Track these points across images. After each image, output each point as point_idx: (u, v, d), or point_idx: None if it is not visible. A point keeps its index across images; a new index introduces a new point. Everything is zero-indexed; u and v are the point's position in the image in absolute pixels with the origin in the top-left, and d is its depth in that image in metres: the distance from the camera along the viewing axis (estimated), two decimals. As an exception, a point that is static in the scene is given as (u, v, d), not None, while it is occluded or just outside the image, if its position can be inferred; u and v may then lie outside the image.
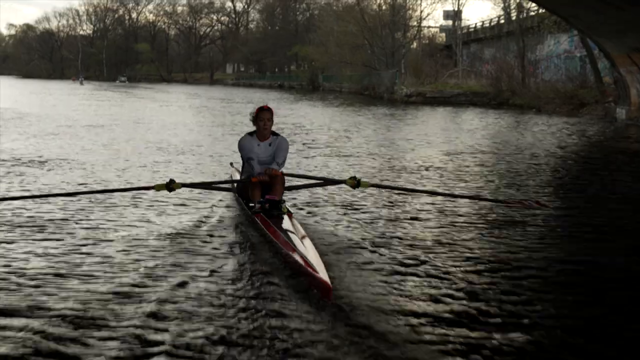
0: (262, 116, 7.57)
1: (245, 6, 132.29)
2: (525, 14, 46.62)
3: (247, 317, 4.63)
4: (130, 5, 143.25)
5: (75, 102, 38.75)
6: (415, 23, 62.04)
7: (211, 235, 6.94)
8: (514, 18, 48.35)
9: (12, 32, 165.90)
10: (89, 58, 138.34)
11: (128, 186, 8.92)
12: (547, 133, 21.26)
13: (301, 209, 8.37)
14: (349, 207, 8.50)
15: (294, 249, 5.73)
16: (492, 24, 59.28)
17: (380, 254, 6.30)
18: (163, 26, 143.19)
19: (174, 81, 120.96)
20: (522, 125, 24.88)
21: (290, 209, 7.52)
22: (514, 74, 42.86)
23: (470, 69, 54.87)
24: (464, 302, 5.00)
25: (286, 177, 7.88)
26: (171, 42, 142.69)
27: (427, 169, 12.20)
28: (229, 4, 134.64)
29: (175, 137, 18.06)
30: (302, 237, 6.11)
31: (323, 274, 5.01)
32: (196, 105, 36.74)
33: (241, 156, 7.81)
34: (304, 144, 16.59)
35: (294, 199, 8.86)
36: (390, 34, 57.79)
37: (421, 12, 61.27)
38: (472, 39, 63.56)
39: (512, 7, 49.11)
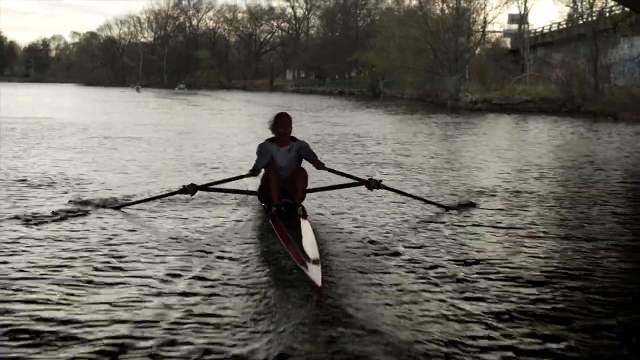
0: (281, 122, 7.82)
1: (306, 12, 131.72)
2: (598, 16, 44.23)
3: (234, 315, 4.73)
4: (191, 12, 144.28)
5: (126, 111, 37.71)
6: (479, 27, 60.08)
7: (225, 238, 7.04)
8: (585, 20, 45.87)
9: (76, 40, 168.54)
10: (149, 65, 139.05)
11: (152, 195, 8.93)
12: (630, 145, 19.28)
13: (320, 214, 8.32)
14: (369, 210, 8.54)
15: (296, 250, 5.83)
16: (561, 27, 56.84)
17: (389, 259, 6.29)
18: (223, 33, 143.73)
19: (233, 88, 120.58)
20: (600, 135, 22.83)
21: (311, 210, 7.84)
22: (585, 78, 40.58)
23: (539, 74, 52.52)
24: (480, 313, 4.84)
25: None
26: (231, 49, 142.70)
27: (497, 191, 10.38)
28: (290, 10, 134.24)
29: (220, 150, 16.55)
30: (309, 239, 6.14)
31: (316, 274, 5.06)
32: (253, 114, 35.39)
33: (261, 162, 7.74)
34: (363, 158, 15.01)
35: (314, 199, 8.88)
36: (454, 38, 55.96)
37: (485, 15, 59.22)
38: (538, 43, 61.13)
39: (584, 9, 46.52)
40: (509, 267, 6.03)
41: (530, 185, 11.09)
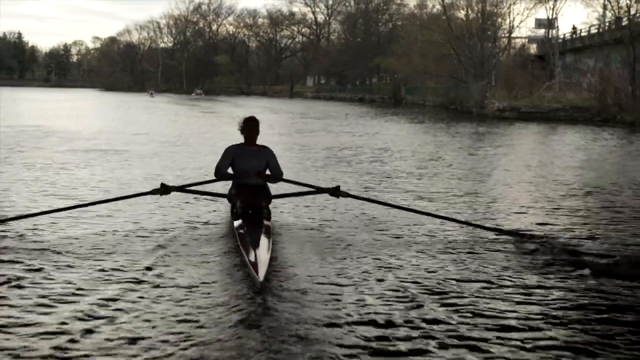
0: (249, 126, 8.11)
1: (327, 17, 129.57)
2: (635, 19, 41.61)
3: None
4: (211, 17, 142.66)
5: (130, 119, 35.53)
6: (505, 31, 57.72)
7: (188, 236, 7.50)
8: (622, 24, 43.22)
9: (97, 45, 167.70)
10: (168, 70, 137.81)
11: (126, 194, 8.65)
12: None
13: (286, 218, 8.69)
14: (334, 216, 8.86)
15: (248, 248, 6.16)
16: (592, 31, 54.17)
17: (338, 261, 6.47)
18: (243, 38, 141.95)
19: (253, 94, 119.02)
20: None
21: (277, 214, 8.49)
22: (621, 86, 38.04)
23: (569, 80, 49.94)
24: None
25: (274, 185, 8.26)
26: (251, 54, 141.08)
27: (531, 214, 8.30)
28: (310, 15, 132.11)
29: (200, 163, 13.49)
30: (264, 240, 6.41)
31: (259, 271, 5.42)
32: (270, 123, 32.85)
33: (224, 162, 8.03)
34: (380, 179, 12.69)
35: (284, 204, 9.21)
36: (479, 42, 53.56)
37: (512, 19, 56.73)
38: (567, 49, 58.44)
39: (622, 12, 43.86)
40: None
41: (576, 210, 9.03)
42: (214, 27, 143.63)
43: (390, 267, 6.26)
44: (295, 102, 77.33)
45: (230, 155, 8.00)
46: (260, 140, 8.09)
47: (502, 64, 56.01)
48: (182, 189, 8.25)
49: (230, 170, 8.08)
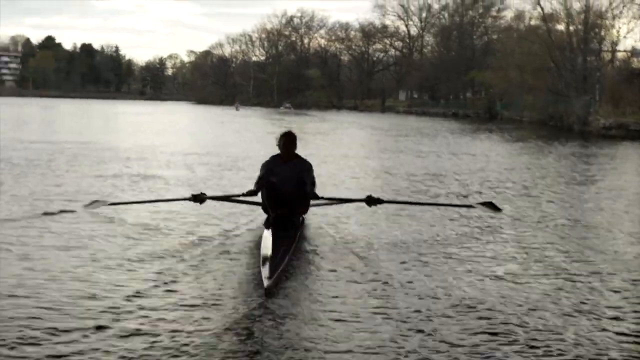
0: (285, 140, 8.47)
1: (420, 30, 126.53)
2: None
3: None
4: (302, 30, 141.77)
5: (204, 134, 33.96)
6: (609, 43, 53.87)
7: (219, 242, 7.92)
8: None
9: (192, 58, 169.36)
10: (260, 84, 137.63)
11: (166, 197, 9.80)
12: None
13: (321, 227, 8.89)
14: (365, 227, 9.00)
15: (267, 255, 6.60)
16: None
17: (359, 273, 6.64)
18: (335, 51, 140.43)
19: (344, 108, 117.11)
20: None
21: (312, 224, 8.95)
22: None
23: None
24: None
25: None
26: (343, 68, 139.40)
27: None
28: (403, 28, 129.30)
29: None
30: (285, 247, 6.86)
31: (270, 276, 5.94)
32: (355, 140, 30.70)
33: (261, 177, 8.31)
34: (466, 220, 10.16)
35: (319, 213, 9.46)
36: (582, 54, 50.01)
37: (618, 30, 52.89)
38: (680, 61, 54.11)
39: None
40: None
41: None
42: (306, 41, 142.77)
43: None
44: (385, 117, 74.89)
45: (266, 167, 8.39)
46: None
47: (606, 78, 52.19)
48: (218, 198, 9.03)
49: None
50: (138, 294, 5.64)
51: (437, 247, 8.00)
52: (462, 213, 10.07)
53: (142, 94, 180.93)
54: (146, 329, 4.79)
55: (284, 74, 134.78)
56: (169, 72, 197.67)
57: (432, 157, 20.74)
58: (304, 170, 8.34)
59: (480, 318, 5.32)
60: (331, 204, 9.34)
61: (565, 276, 6.72)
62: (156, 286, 5.94)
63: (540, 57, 53.64)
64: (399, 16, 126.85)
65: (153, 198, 10.29)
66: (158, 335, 4.70)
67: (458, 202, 9.34)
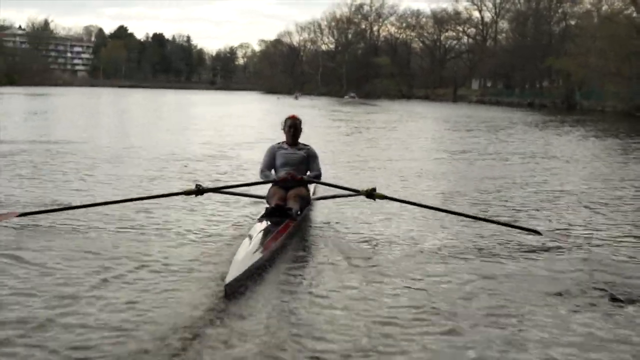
0: (289, 123, 8.43)
1: (494, 16, 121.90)
2: None
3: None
4: (372, 17, 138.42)
5: (245, 127, 31.18)
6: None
7: (212, 236, 7.48)
8: None
9: (263, 47, 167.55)
10: (329, 73, 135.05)
11: (159, 193, 8.72)
12: None
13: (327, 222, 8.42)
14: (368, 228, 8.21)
15: (244, 251, 6.16)
16: None
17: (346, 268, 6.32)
18: (405, 39, 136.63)
19: (414, 97, 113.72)
20: None
21: (311, 219, 8.44)
22: None
23: None
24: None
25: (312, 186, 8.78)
26: (413, 56, 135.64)
27: None
28: (477, 14, 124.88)
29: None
30: (267, 242, 6.46)
31: (234, 272, 5.47)
32: (420, 134, 27.36)
33: (266, 163, 8.39)
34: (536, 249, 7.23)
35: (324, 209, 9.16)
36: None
37: None
38: None
39: None
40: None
41: None
42: (375, 28, 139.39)
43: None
44: (456, 108, 71.33)
45: (271, 154, 8.41)
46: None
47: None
48: (217, 190, 8.46)
49: (273, 172, 8.38)
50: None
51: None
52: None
53: (212, 84, 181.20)
54: (90, 323, 4.64)
55: (352, 63, 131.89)
56: (240, 61, 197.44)
57: (500, 161, 17.23)
58: (310, 156, 8.42)
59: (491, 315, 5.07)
60: (332, 197, 9.04)
61: None
62: (105, 280, 5.66)
63: (625, 41, 49.44)
64: (472, 2, 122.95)
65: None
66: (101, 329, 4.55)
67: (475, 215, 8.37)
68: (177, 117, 39.25)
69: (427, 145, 22.31)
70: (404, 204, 8.38)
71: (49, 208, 8.24)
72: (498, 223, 7.96)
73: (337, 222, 8.42)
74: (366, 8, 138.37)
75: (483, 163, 16.56)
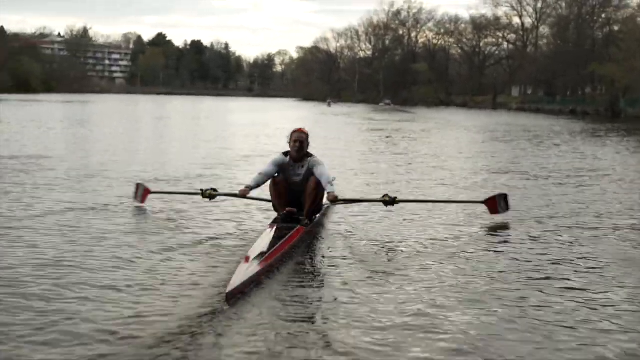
0: (295, 137, 8.14)
1: (535, 21, 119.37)
2: None
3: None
4: (410, 23, 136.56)
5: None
6: None
7: (221, 242, 7.54)
8: None
9: (301, 54, 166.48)
10: (365, 80, 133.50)
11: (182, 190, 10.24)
12: None
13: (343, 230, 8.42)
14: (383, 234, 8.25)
15: (251, 257, 6.16)
16: None
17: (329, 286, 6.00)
18: (444, 45, 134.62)
19: (452, 104, 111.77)
20: None
21: (323, 226, 8.46)
22: None
23: None
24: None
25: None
26: (452, 62, 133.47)
27: None
28: (517, 20, 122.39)
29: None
30: (272, 250, 6.35)
31: (236, 280, 5.44)
32: (450, 151, 24.35)
33: (267, 169, 8.17)
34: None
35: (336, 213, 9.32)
36: None
37: None
38: None
39: None
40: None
41: None
42: (413, 34, 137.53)
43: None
44: (496, 115, 69.34)
45: (276, 165, 8.22)
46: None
47: None
48: (229, 195, 8.90)
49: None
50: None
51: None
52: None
53: (249, 91, 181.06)
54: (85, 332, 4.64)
55: (390, 69, 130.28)
56: (278, 68, 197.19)
57: (540, 180, 15.09)
58: (315, 166, 8.12)
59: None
60: (349, 203, 9.14)
61: None
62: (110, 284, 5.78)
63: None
64: (512, 7, 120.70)
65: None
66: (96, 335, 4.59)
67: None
68: (214, 125, 38.11)
69: (460, 162, 19.79)
70: (422, 204, 9.01)
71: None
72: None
73: (349, 230, 8.45)
74: (404, 14, 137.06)
75: (521, 183, 14.38)
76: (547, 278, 6.50)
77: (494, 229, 8.86)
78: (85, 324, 4.77)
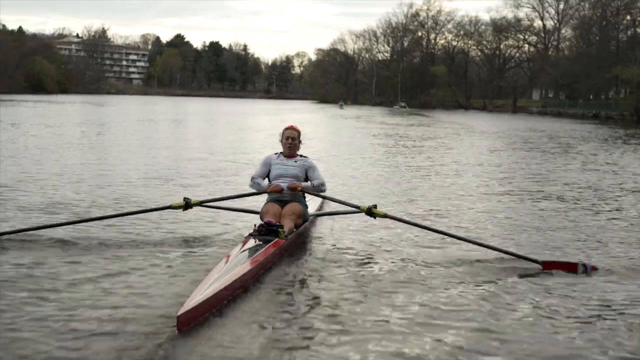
0: (287, 134, 8.06)
1: (557, 23, 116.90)
2: None
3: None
4: (429, 24, 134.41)
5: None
6: None
7: (188, 256, 6.92)
8: None
9: (320, 56, 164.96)
10: (383, 82, 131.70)
11: (144, 208, 8.47)
12: None
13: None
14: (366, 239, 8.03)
15: (214, 274, 5.60)
16: None
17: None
18: (463, 47, 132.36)
19: (472, 108, 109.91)
20: None
21: (303, 241, 7.79)
22: None
23: None
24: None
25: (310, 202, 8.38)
26: (471, 65, 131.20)
27: None
28: (538, 21, 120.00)
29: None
30: (241, 267, 5.84)
31: (188, 302, 4.87)
32: (460, 165, 22.04)
33: (259, 171, 8.02)
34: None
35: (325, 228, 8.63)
36: None
37: None
38: None
39: None
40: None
41: None
42: (432, 36, 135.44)
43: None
44: (517, 119, 67.28)
45: (267, 164, 8.06)
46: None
47: None
48: (207, 203, 7.95)
49: (266, 181, 8.01)
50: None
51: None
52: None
53: (267, 92, 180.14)
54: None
55: (408, 72, 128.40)
56: (297, 70, 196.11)
57: (568, 201, 12.44)
58: (309, 167, 8.02)
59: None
60: (330, 213, 8.69)
61: None
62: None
63: None
64: (533, 8, 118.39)
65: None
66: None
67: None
68: (232, 132, 36.41)
69: (470, 181, 17.16)
70: (407, 225, 7.91)
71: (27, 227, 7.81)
72: (503, 251, 7.28)
73: (332, 244, 7.87)
74: (422, 15, 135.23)
75: (542, 204, 11.97)
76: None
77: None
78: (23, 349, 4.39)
